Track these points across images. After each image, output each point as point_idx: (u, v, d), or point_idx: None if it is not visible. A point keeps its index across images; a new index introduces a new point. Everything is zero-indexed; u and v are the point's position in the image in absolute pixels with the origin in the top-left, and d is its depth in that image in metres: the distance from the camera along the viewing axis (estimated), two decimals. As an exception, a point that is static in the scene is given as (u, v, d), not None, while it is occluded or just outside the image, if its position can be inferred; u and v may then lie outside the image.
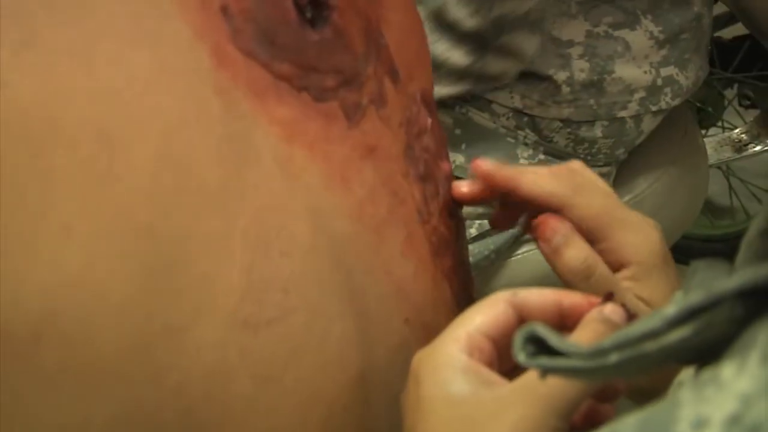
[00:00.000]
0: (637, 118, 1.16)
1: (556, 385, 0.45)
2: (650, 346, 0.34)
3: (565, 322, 0.51)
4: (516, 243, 1.17)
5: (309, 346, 0.50)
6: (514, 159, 1.14)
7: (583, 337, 0.49)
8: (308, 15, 0.53)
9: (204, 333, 0.46)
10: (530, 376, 0.46)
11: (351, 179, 0.53)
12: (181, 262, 0.45)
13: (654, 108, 1.16)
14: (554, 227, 0.57)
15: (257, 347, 0.48)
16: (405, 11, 0.61)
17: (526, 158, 1.14)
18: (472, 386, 0.47)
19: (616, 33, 1.11)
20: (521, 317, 0.50)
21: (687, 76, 1.18)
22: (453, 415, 0.46)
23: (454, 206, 0.63)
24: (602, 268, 0.56)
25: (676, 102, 1.18)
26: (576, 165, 0.61)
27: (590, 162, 1.18)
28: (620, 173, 1.25)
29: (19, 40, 0.42)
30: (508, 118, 1.13)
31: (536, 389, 0.45)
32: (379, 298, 0.55)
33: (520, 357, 0.40)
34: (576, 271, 0.56)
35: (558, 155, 1.15)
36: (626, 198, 1.24)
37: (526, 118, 1.13)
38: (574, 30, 1.10)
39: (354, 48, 0.55)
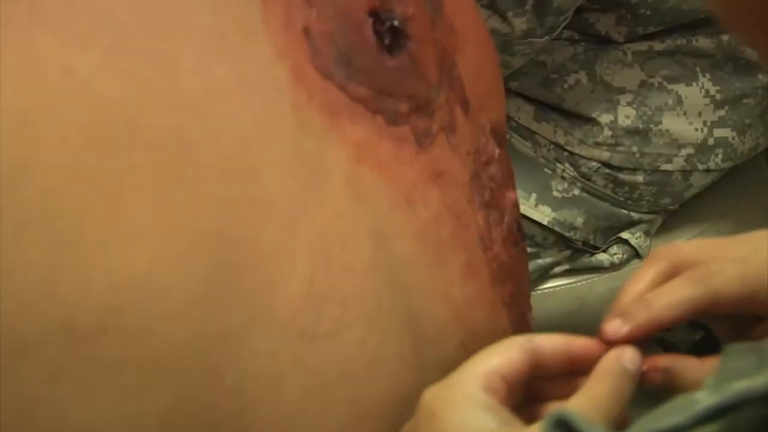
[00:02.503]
0: (686, 172, 1.13)
1: None
2: None
3: (575, 367, 0.50)
4: (543, 276, 1.15)
5: (362, 362, 0.50)
6: (547, 190, 1.13)
7: (601, 388, 0.47)
8: (386, 42, 0.53)
9: (260, 339, 0.46)
10: None
11: (416, 202, 0.53)
12: (244, 269, 0.46)
13: (702, 167, 1.12)
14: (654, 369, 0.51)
15: (311, 358, 0.48)
16: (480, 44, 0.61)
17: (560, 191, 1.12)
18: (495, 424, 0.46)
19: (671, 86, 1.09)
20: (534, 363, 0.49)
21: (744, 141, 1.14)
22: None
23: (518, 235, 0.62)
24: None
25: (727, 165, 1.14)
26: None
27: (631, 207, 1.15)
28: (666, 221, 1.21)
29: (108, 45, 0.43)
30: (549, 150, 1.12)
31: None
32: (435, 321, 0.55)
33: None
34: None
35: (595, 194, 1.13)
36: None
37: (566, 153, 1.11)
38: (628, 78, 1.09)
39: (428, 76, 0.55)
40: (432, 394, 0.48)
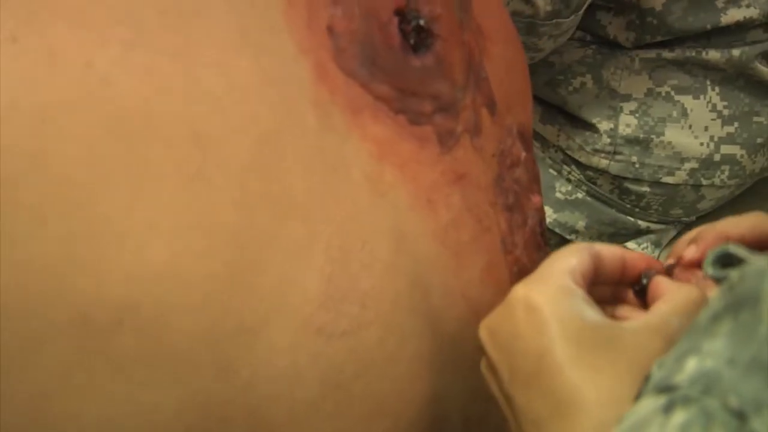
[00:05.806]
0: (693, 185, 1.09)
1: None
2: None
3: (626, 276, 0.51)
4: None
5: (380, 360, 0.49)
6: (550, 191, 1.10)
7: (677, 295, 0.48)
8: (411, 41, 0.52)
9: (276, 335, 0.45)
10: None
11: (438, 203, 0.52)
12: (262, 266, 0.45)
13: (706, 182, 1.08)
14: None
15: (328, 355, 0.47)
16: (508, 45, 0.59)
17: (563, 193, 1.10)
18: (599, 316, 0.46)
19: (678, 97, 1.05)
20: (596, 266, 0.50)
21: (755, 161, 1.09)
22: (595, 341, 0.45)
23: (541, 240, 0.60)
24: None
25: (734, 182, 1.10)
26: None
27: (639, 215, 1.11)
28: (681, 233, 1.17)
29: (127, 41, 0.42)
30: (556, 151, 1.09)
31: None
32: (455, 322, 0.53)
33: (710, 271, 0.44)
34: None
35: (600, 199, 1.10)
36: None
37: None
38: (635, 85, 1.05)
39: (453, 77, 0.54)
40: (526, 289, 0.47)
